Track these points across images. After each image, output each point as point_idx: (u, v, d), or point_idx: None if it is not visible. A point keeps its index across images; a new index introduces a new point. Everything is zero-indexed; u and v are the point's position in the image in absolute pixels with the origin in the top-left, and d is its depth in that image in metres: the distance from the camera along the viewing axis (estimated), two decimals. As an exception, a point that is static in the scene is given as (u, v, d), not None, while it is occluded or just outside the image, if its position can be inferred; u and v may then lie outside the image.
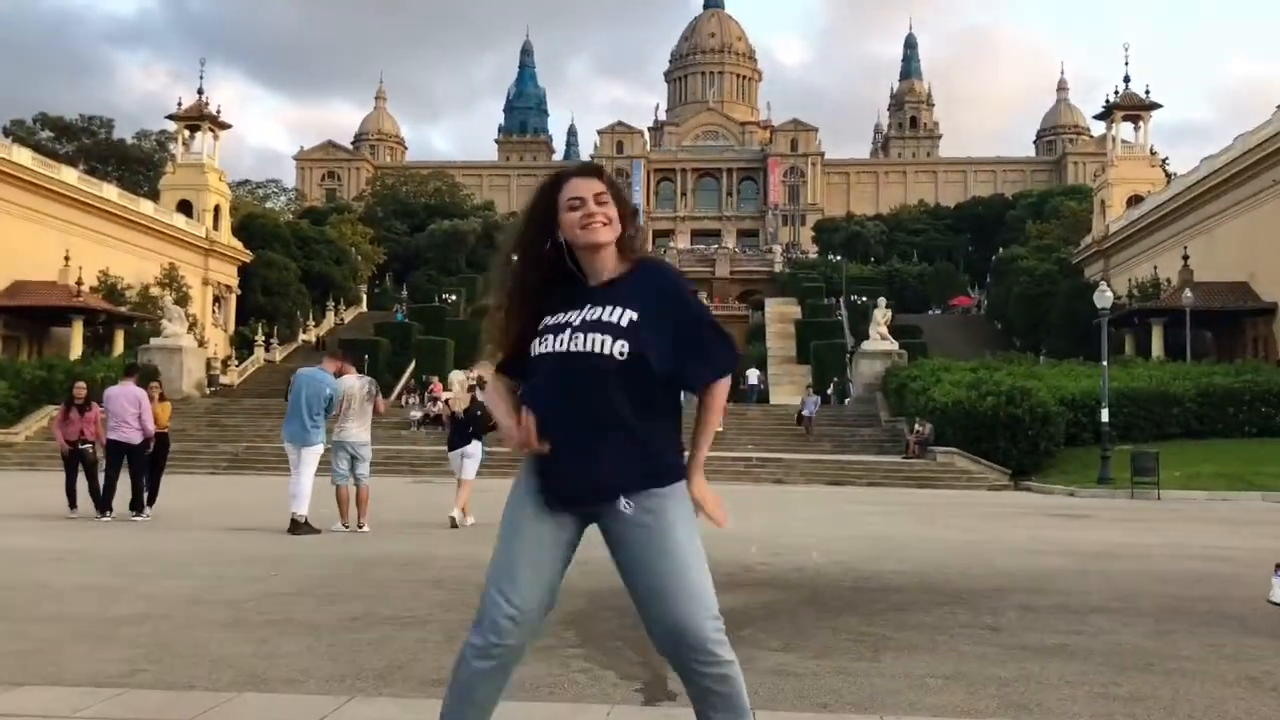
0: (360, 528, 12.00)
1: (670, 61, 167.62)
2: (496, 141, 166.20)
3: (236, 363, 62.91)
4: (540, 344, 2.85)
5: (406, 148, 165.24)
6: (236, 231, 71.29)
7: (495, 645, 2.81)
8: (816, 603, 6.96)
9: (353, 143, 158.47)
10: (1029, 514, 17.92)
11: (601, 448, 2.74)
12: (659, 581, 2.73)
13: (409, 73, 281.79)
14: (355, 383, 12.63)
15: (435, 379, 54.54)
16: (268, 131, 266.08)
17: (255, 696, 4.25)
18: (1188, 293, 50.97)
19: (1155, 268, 65.43)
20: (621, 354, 2.74)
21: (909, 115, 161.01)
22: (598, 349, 2.76)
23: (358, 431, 12.34)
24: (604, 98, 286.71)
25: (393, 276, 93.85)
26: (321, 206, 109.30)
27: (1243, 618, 6.52)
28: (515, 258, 2.99)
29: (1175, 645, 5.62)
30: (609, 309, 2.80)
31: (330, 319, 75.04)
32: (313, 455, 12.05)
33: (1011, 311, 73.04)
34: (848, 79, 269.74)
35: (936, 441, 30.88)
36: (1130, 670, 4.96)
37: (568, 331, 2.81)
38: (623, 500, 2.74)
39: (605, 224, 2.87)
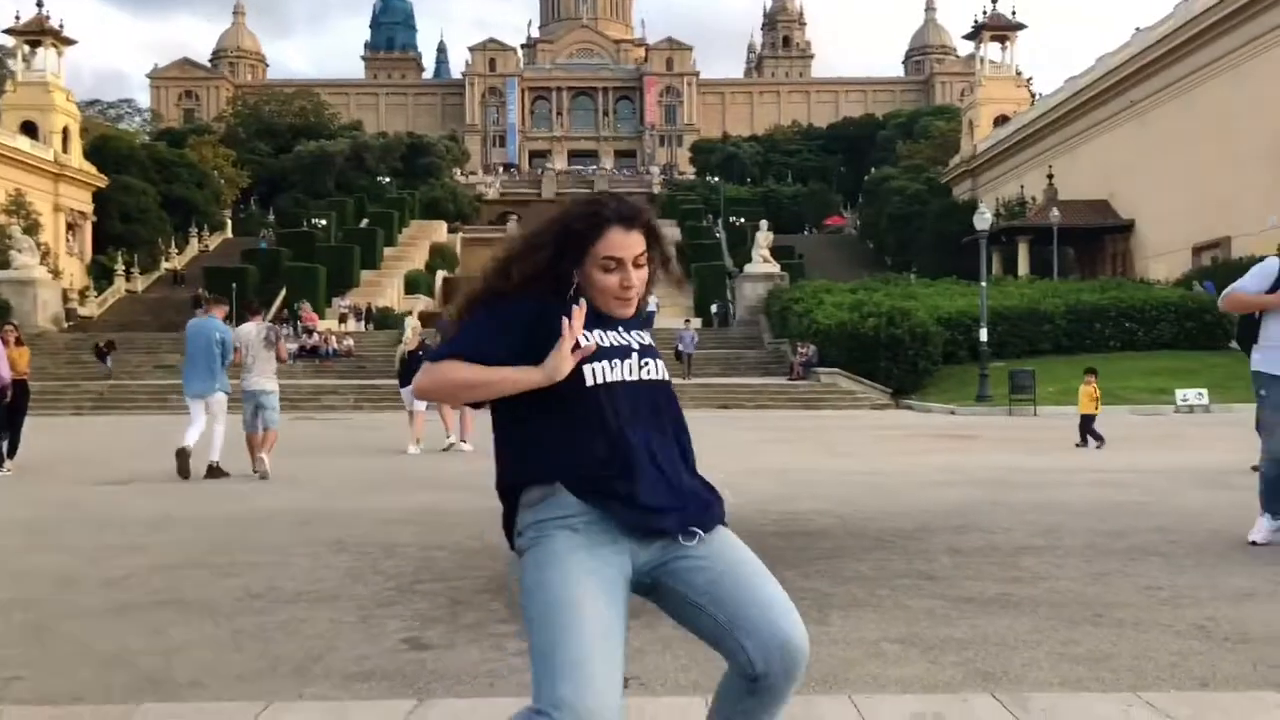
0: (262, 472, 11.77)
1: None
2: (363, 59, 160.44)
3: (95, 293, 59.81)
4: (596, 372, 2.40)
5: (268, 65, 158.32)
6: (89, 155, 67.33)
7: None
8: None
9: (210, 60, 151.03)
10: (919, 435, 18.21)
11: (684, 471, 2.48)
12: (761, 596, 2.40)
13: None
14: (254, 329, 12.49)
15: (306, 306, 52.90)
16: (108, 50, 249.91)
17: (156, 708, 3.77)
18: (1055, 211, 52.51)
19: (1022, 187, 67.26)
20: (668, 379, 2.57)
21: (781, 35, 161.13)
22: (664, 376, 2.53)
23: (260, 380, 12.22)
24: (462, 10, 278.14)
25: (258, 200, 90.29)
26: (180, 128, 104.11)
27: (1164, 555, 6.55)
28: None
29: (1113, 590, 5.56)
30: (638, 333, 2.54)
31: (194, 246, 71.88)
32: (218, 404, 11.99)
33: (883, 231, 74.32)
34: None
35: (820, 363, 31.26)
36: (1081, 624, 4.85)
37: (635, 358, 2.46)
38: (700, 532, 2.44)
39: (639, 292, 2.50)
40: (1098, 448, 15.47)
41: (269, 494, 10.30)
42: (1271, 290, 6.35)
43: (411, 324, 17.99)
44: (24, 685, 4.05)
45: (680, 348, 32.88)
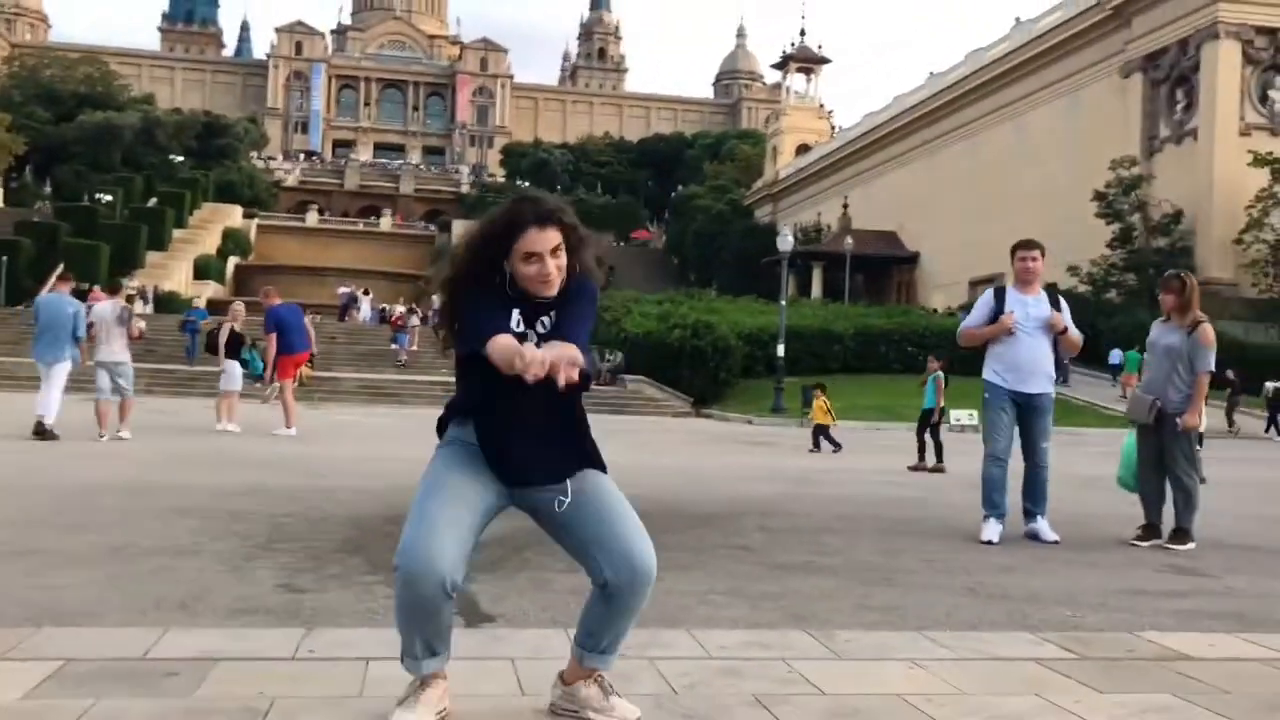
0: (120, 434, 13.27)
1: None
2: (160, 30, 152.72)
3: None
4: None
5: (50, 26, 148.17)
6: None
7: (416, 578, 2.95)
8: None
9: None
10: (724, 441, 19.31)
11: (556, 439, 3.09)
12: (617, 522, 3.06)
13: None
14: (108, 308, 13.71)
15: (96, 288, 50.06)
16: None
17: (59, 631, 4.02)
18: (848, 239, 55.63)
19: (819, 214, 70.76)
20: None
21: (598, 46, 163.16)
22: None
23: (114, 351, 13.37)
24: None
25: (34, 170, 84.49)
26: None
27: (941, 538, 7.53)
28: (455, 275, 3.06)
29: (900, 561, 6.44)
30: (545, 319, 3.02)
31: (-41, 213, 66.74)
32: (61, 371, 13.02)
33: (688, 247, 76.60)
34: (530, 2, 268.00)
35: (626, 370, 32.21)
36: (874, 585, 5.67)
37: (534, 341, 2.94)
38: (568, 483, 3.09)
39: (559, 277, 2.99)
40: (834, 452, 17.04)
41: (90, 467, 10.17)
42: (990, 320, 7.55)
43: (236, 307, 18.13)
44: (-86, 614, 4.20)
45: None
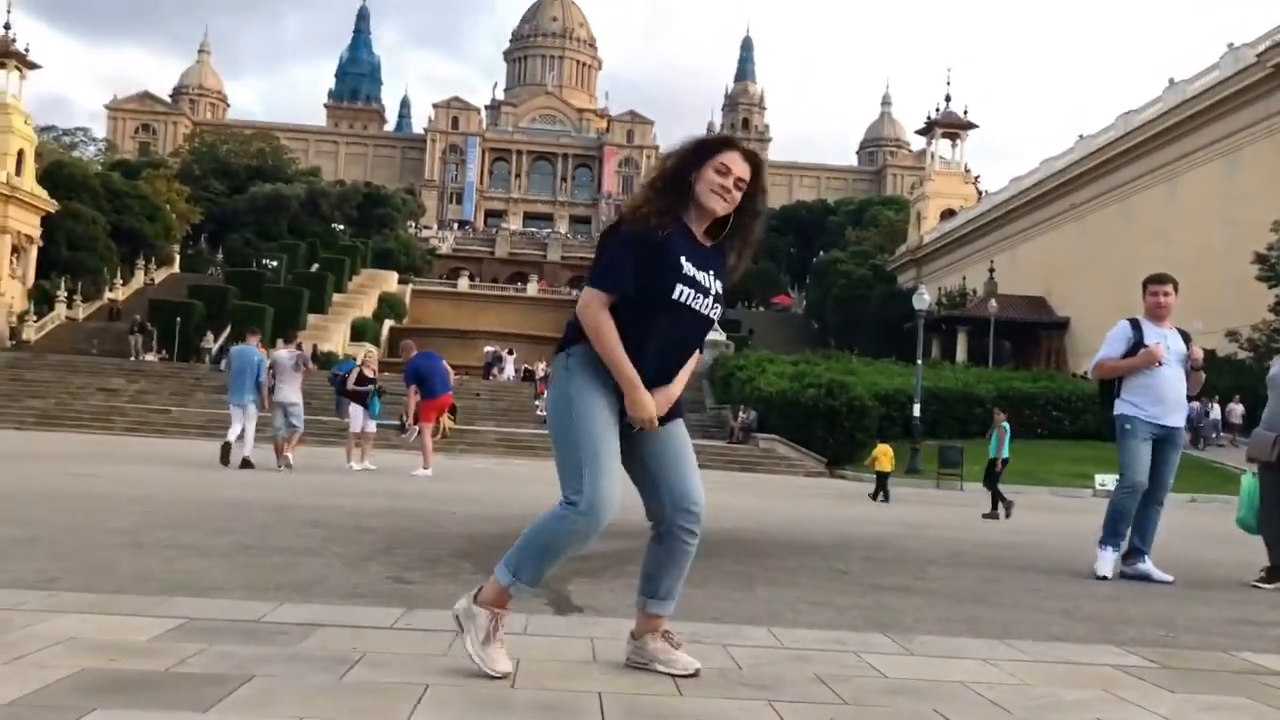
0: (288, 465, 15.07)
1: (511, 41, 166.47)
2: (326, 106, 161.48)
3: (35, 318, 59.30)
4: (681, 294, 3.25)
5: (228, 105, 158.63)
6: (41, 180, 66.96)
7: (594, 531, 3.28)
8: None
9: (171, 96, 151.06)
10: (851, 497, 19.18)
11: (676, 380, 3.41)
12: (683, 464, 3.44)
13: (216, 25, 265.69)
14: (285, 355, 15.77)
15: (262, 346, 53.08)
16: (51, 75, 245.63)
17: (186, 601, 4.45)
18: (992, 303, 54.45)
19: (964, 278, 69.49)
20: (715, 319, 3.43)
21: (742, 116, 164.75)
22: (713, 315, 3.38)
23: (289, 394, 15.31)
24: (430, 69, 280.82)
25: (208, 238, 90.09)
26: (135, 160, 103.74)
27: (1049, 572, 7.43)
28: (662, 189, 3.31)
29: (1001, 588, 6.42)
30: (714, 277, 3.34)
31: (139, 278, 71.55)
32: (252, 411, 15.12)
33: (828, 312, 76.10)
34: (675, 73, 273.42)
35: (759, 429, 32.22)
36: (967, 603, 5.69)
37: (710, 299, 3.32)
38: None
39: (729, 204, 3.31)
40: (883, 501, 17.94)
41: (246, 489, 10.88)
42: (1128, 353, 7.36)
43: (368, 349, 19.29)
44: (70, 583, 4.71)
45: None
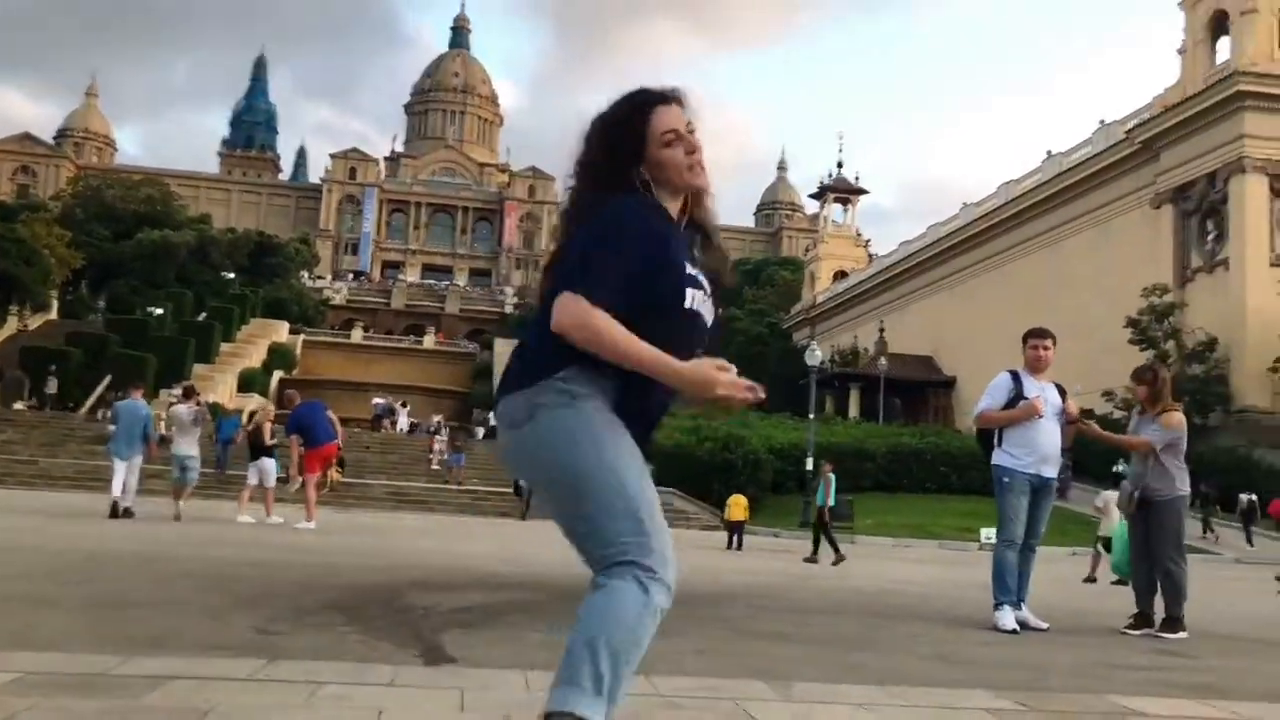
0: (177, 516, 15.16)
1: (412, 95, 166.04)
2: (220, 154, 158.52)
3: (-103, 363, 56.36)
4: (691, 298, 2.52)
5: (116, 150, 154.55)
6: (-89, 223, 64.07)
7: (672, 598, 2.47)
8: (566, 599, 7.37)
9: (55, 138, 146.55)
10: (748, 550, 19.23)
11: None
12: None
13: (102, 70, 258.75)
14: (184, 410, 15.96)
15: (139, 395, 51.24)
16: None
17: (29, 655, 4.17)
18: (883, 362, 55.76)
19: (855, 337, 71.08)
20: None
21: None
22: (712, 317, 2.66)
23: (187, 448, 15.65)
24: (327, 119, 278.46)
25: (90, 284, 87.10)
26: (12, 203, 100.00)
27: (933, 620, 7.50)
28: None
29: (881, 635, 6.44)
30: (699, 271, 2.58)
31: (12, 324, 68.70)
32: (136, 464, 15.21)
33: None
34: (561, 130, 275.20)
35: (657, 482, 32.04)
36: (847, 651, 5.68)
37: (709, 302, 2.61)
38: None
39: (700, 167, 2.54)
40: (736, 549, 18.96)
41: (118, 539, 10.38)
42: (1009, 404, 7.53)
43: (266, 406, 19.09)
44: (-105, 634, 4.37)
45: (522, 481, 31.24)
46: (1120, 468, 33.94)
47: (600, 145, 2.52)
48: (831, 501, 18.34)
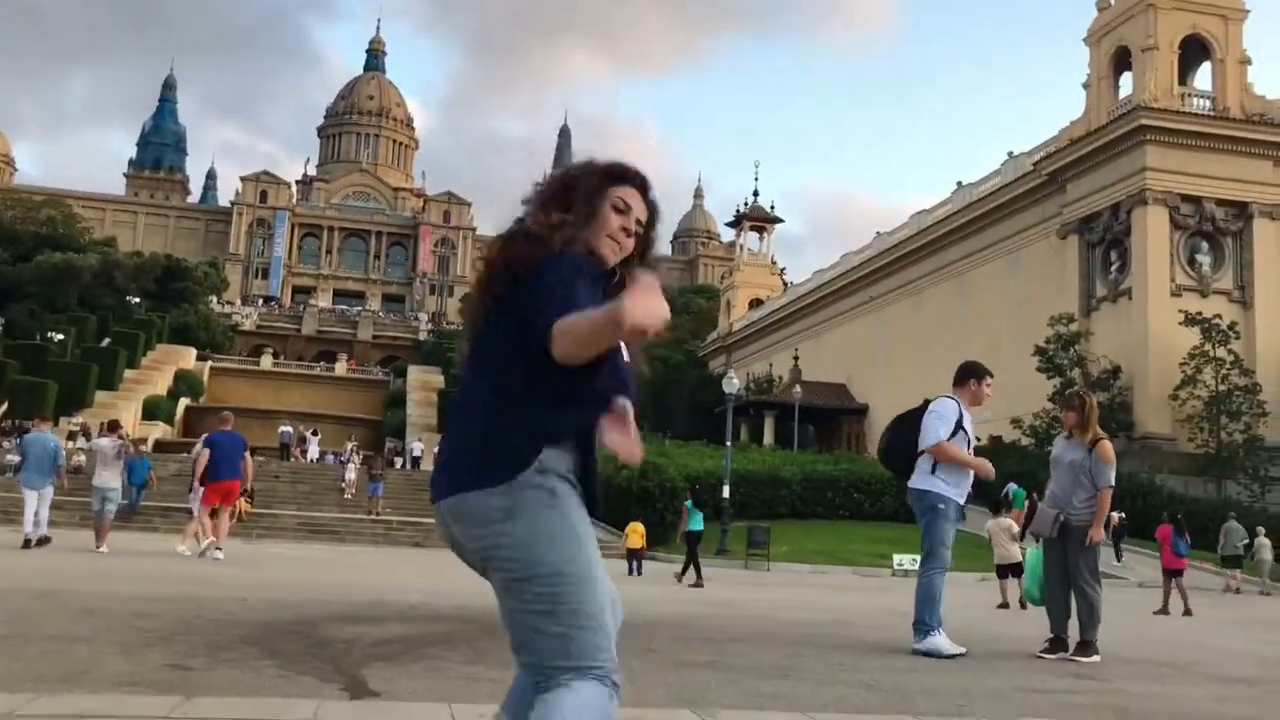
0: (99, 548, 15.32)
1: (325, 117, 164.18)
2: (126, 176, 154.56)
3: None
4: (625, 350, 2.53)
5: (15, 170, 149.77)
6: None
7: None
8: (488, 632, 7.28)
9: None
10: (665, 579, 19.21)
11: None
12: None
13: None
14: (107, 443, 16.01)
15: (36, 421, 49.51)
16: None
17: (-72, 694, 3.99)
18: (797, 389, 56.38)
19: (770, 365, 71.80)
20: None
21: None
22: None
23: (109, 479, 15.75)
24: (238, 142, 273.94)
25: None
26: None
27: (856, 647, 7.57)
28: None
29: (806, 663, 6.48)
30: None
31: (-99, 351, 65.93)
32: (48, 494, 15.47)
33: (642, 396, 76.93)
34: (496, 157, 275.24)
35: (573, 511, 32.04)
36: (772, 678, 5.71)
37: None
38: None
39: (621, 252, 2.56)
40: (637, 575, 19.81)
41: (18, 573, 9.98)
42: (954, 431, 7.58)
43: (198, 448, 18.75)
44: None
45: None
46: (1009, 490, 34.80)
47: (583, 187, 2.54)
48: (699, 526, 19.95)
